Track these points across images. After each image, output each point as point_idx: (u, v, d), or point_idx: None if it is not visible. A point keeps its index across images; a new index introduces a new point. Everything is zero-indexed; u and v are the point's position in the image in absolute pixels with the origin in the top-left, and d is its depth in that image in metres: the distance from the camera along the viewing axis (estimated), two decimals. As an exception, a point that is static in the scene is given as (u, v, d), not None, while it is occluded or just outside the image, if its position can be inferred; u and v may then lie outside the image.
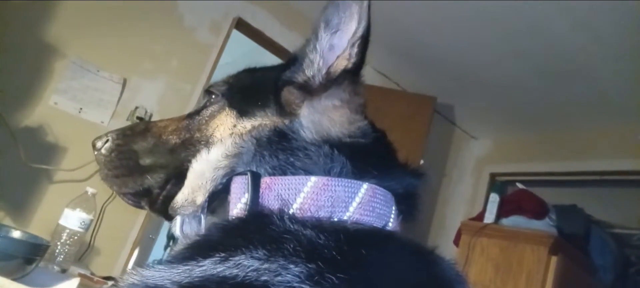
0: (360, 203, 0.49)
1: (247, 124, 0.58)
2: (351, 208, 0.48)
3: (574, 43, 2.46)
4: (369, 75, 3.41)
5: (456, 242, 2.85)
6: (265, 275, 0.37)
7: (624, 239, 2.79)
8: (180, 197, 0.59)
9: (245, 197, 0.49)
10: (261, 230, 0.43)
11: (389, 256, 0.45)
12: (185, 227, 0.59)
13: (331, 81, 0.55)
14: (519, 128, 3.61)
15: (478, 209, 3.30)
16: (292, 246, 0.40)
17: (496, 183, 3.36)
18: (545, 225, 2.45)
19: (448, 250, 2.96)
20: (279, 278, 0.37)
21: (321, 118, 0.55)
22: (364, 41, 0.55)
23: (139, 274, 0.42)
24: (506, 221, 2.60)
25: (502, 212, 2.63)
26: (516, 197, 2.69)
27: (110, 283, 1.48)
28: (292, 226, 0.43)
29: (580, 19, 2.28)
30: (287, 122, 0.55)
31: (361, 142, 0.55)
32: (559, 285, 2.27)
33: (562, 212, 2.52)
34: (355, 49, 0.54)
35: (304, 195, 0.48)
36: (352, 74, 0.56)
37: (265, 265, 0.38)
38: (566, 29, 2.38)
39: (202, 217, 0.55)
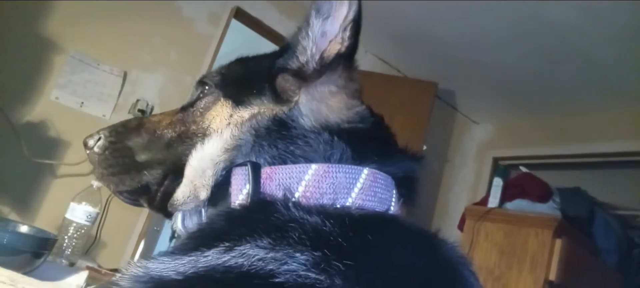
0: (361, 188, 0.49)
1: (244, 113, 0.57)
2: (353, 194, 0.48)
3: (575, 25, 2.45)
4: (370, 62, 3.40)
5: (460, 227, 2.86)
6: (271, 264, 0.37)
7: (627, 220, 2.80)
8: (181, 194, 0.58)
9: (247, 188, 0.49)
10: (265, 218, 0.43)
11: (394, 241, 0.45)
12: (186, 221, 0.59)
13: (325, 66, 0.55)
14: (521, 112, 3.60)
15: (481, 194, 3.31)
16: (297, 234, 0.40)
17: (499, 168, 3.36)
18: (549, 208, 2.46)
19: (452, 236, 2.96)
20: (285, 267, 0.37)
21: (319, 105, 0.55)
22: (356, 25, 0.54)
23: (143, 266, 0.42)
24: (510, 205, 2.60)
25: (505, 196, 2.63)
26: (519, 181, 2.69)
27: (118, 275, 1.49)
28: (297, 213, 0.43)
29: (581, 1, 2.26)
30: (285, 109, 0.55)
31: (360, 127, 0.55)
32: (563, 267, 2.28)
33: (566, 194, 2.52)
34: (347, 33, 0.54)
35: (305, 183, 0.48)
36: (346, 59, 0.56)
37: (271, 254, 0.38)
38: (567, 12, 2.37)
39: (203, 210, 0.55)
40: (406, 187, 0.57)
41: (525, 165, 2.91)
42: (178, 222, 0.59)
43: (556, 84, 3.06)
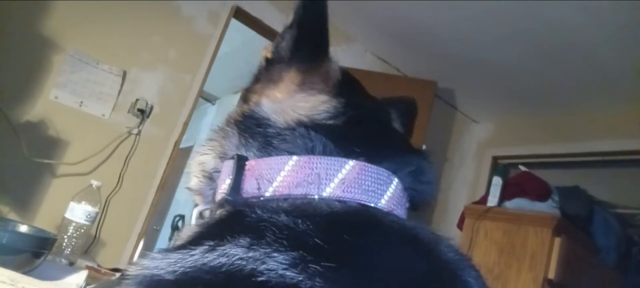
0: (343, 180, 0.48)
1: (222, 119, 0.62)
2: (332, 185, 0.47)
3: (575, 24, 2.45)
4: (369, 61, 3.40)
5: (459, 226, 2.86)
6: (250, 264, 0.37)
7: (626, 219, 2.80)
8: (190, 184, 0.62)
9: (228, 181, 0.50)
10: (240, 219, 0.44)
11: (375, 237, 0.44)
12: (193, 218, 0.60)
13: (262, 70, 0.60)
14: (520, 111, 3.61)
15: (481, 193, 3.32)
16: (271, 234, 0.40)
17: (498, 167, 3.36)
18: (548, 207, 2.46)
19: (451, 235, 2.97)
20: (264, 266, 0.37)
21: (283, 105, 0.56)
22: (296, 29, 0.59)
23: (140, 264, 0.43)
24: (509, 204, 2.61)
25: (505, 195, 2.64)
26: (519, 180, 2.69)
27: (117, 274, 1.49)
28: (263, 214, 0.43)
29: (580, 0, 2.27)
30: (251, 106, 0.58)
31: (332, 123, 0.54)
32: (562, 266, 2.28)
33: (565, 193, 2.53)
34: (280, 38, 0.59)
35: (284, 173, 0.48)
36: (286, 63, 0.58)
37: (250, 254, 0.38)
38: (566, 10, 2.37)
39: (210, 207, 0.56)
40: (416, 183, 0.55)
41: (524, 164, 2.92)
42: (193, 218, 0.61)
43: (555, 83, 3.06)
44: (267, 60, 0.60)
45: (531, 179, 2.62)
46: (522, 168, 2.82)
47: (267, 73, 0.60)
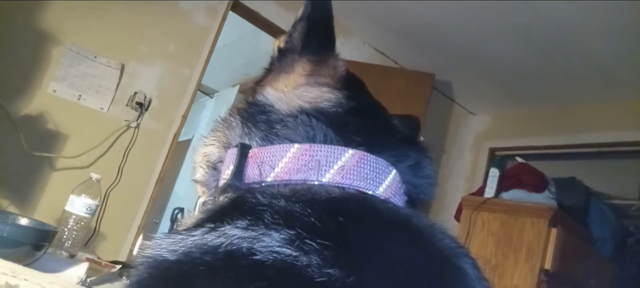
0: (342, 166, 0.49)
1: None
2: (332, 171, 0.48)
3: (572, 17, 2.46)
4: (367, 54, 3.40)
5: (457, 217, 2.88)
6: (247, 242, 0.39)
7: (622, 210, 2.82)
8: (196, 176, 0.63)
9: (231, 168, 0.51)
10: (240, 204, 0.45)
11: (371, 220, 0.45)
12: (196, 210, 0.62)
13: (275, 60, 0.62)
14: (517, 103, 3.62)
15: (478, 184, 3.33)
16: (269, 215, 0.41)
17: (496, 158, 3.38)
18: (544, 198, 2.48)
19: (449, 226, 2.99)
20: (261, 243, 0.38)
21: (289, 94, 0.57)
22: (305, 21, 0.59)
23: (146, 250, 0.45)
24: (506, 195, 2.62)
25: (502, 187, 2.66)
26: (516, 171, 2.71)
27: (118, 267, 1.51)
28: (263, 198, 0.44)
29: (578, -9, 2.27)
30: (257, 96, 0.59)
31: (334, 111, 0.55)
32: (559, 256, 2.30)
33: (562, 184, 2.54)
34: (295, 30, 0.60)
35: (286, 160, 0.49)
36: (298, 53, 0.59)
37: (247, 233, 0.40)
38: (563, 3, 2.37)
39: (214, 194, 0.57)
40: (415, 176, 0.56)
41: (521, 155, 2.93)
42: (196, 209, 0.62)
43: (552, 75, 3.07)
44: (280, 50, 0.62)
45: (528, 171, 2.64)
46: (519, 159, 2.83)
47: (279, 63, 0.61)
